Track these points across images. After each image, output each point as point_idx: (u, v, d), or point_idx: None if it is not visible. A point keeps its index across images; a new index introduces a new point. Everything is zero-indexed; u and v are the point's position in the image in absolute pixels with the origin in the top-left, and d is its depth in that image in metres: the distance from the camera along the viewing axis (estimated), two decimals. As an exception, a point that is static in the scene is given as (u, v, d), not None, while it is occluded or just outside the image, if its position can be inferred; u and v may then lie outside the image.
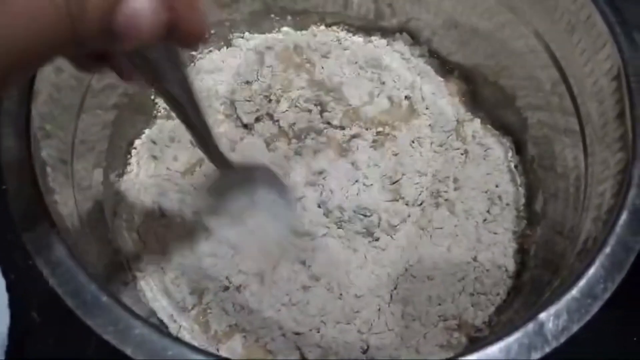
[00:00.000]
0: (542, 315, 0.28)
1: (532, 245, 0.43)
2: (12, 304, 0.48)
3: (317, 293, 0.41)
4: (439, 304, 0.41)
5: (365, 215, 0.42)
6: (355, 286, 0.41)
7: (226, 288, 0.41)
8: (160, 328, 0.27)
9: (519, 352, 0.27)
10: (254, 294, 0.40)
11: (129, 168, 0.45)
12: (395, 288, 0.41)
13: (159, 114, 0.48)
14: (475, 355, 0.27)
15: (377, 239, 0.42)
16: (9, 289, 0.49)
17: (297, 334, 0.39)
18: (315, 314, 0.40)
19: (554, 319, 0.28)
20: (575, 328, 0.28)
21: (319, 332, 0.40)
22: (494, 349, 0.27)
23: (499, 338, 0.27)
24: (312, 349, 0.39)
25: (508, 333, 0.28)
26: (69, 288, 0.28)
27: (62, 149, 0.35)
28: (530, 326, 0.28)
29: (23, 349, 0.49)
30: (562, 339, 0.27)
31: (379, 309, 0.41)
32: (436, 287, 0.41)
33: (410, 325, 0.40)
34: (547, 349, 0.27)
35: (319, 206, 0.43)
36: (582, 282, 0.29)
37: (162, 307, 0.40)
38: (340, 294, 0.41)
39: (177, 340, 0.27)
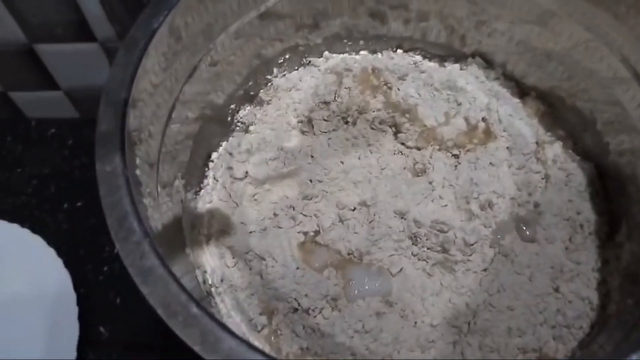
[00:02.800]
0: (635, 357, 0.26)
1: (617, 277, 0.41)
2: (81, 318, 0.49)
3: (391, 320, 0.40)
4: (519, 336, 0.39)
5: (442, 231, 0.42)
6: (430, 314, 0.40)
7: (295, 310, 0.41)
8: (249, 342, 0.27)
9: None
10: (326, 318, 0.40)
11: (205, 181, 0.46)
12: (473, 317, 0.40)
13: (237, 128, 0.49)
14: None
15: (455, 263, 0.41)
16: (78, 302, 0.50)
17: (370, 361, 0.38)
18: (389, 342, 0.39)
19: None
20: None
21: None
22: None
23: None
24: (385, 377, 0.38)
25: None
26: (159, 298, 0.28)
27: (151, 161, 0.36)
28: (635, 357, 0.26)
29: (90, 363, 0.50)
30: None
31: (456, 340, 0.39)
32: (516, 318, 0.39)
33: (488, 357, 0.39)
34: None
35: (395, 215, 0.42)
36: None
37: (236, 325, 0.40)
38: (415, 322, 0.40)
39: (266, 355, 0.26)
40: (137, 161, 0.34)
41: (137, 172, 0.33)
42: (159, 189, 0.38)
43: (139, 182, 0.33)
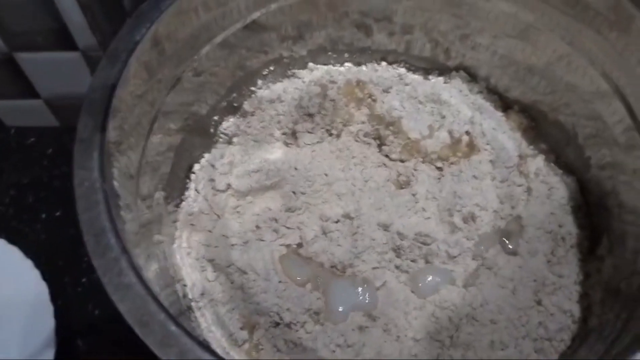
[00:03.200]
0: None
1: (598, 291, 0.42)
2: (58, 331, 0.48)
3: (374, 334, 0.39)
4: (502, 349, 0.39)
5: (425, 244, 0.42)
6: (413, 328, 0.40)
7: (277, 324, 0.40)
8: (228, 360, 0.27)
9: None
10: (308, 332, 0.40)
11: (187, 193, 0.46)
12: (456, 331, 0.40)
13: (220, 139, 0.48)
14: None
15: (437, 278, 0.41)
16: (56, 315, 0.49)
17: (352, 376, 0.38)
18: (371, 357, 0.39)
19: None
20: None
21: (374, 374, 0.38)
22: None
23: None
24: (367, 392, 0.38)
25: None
26: (137, 315, 0.27)
27: (130, 173, 0.36)
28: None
29: (67, 376, 0.49)
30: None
31: (439, 353, 0.39)
32: (499, 332, 0.39)
33: (470, 370, 0.39)
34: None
35: (379, 228, 0.42)
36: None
37: (216, 340, 0.39)
38: (398, 336, 0.40)
39: (246, 374, 0.26)
40: (116, 173, 0.33)
41: (116, 183, 0.33)
42: (139, 201, 0.37)
43: (117, 195, 0.32)
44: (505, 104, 0.50)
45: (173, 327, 0.27)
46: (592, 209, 0.45)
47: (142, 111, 0.37)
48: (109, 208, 0.30)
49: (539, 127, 0.49)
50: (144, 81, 0.37)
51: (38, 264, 0.51)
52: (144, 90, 0.37)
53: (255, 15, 0.44)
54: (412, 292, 0.41)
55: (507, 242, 0.43)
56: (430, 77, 0.51)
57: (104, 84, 0.34)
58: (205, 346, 0.27)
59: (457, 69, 0.51)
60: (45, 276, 0.50)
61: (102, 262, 0.28)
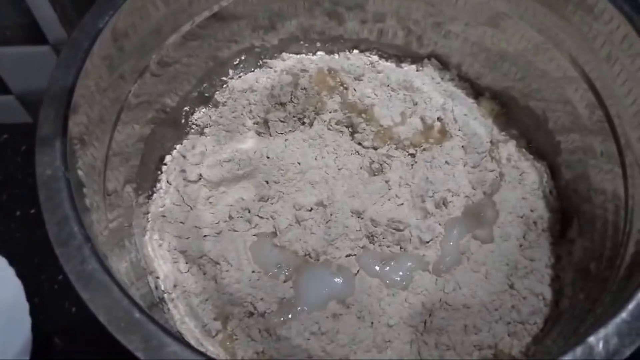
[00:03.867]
0: (592, 339, 0.27)
1: (569, 273, 0.42)
2: (35, 328, 0.48)
3: (348, 321, 0.40)
4: (475, 334, 0.39)
5: (398, 230, 0.42)
6: (387, 315, 0.40)
7: (251, 314, 0.40)
8: (193, 346, 0.26)
9: (569, 378, 0.26)
10: (282, 321, 0.39)
11: (158, 185, 0.45)
12: (430, 316, 0.40)
13: (192, 130, 0.48)
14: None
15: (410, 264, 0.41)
16: (32, 313, 0.48)
17: (327, 362, 0.38)
18: (345, 343, 0.39)
19: (604, 343, 0.27)
20: (627, 352, 0.27)
21: (348, 360, 0.38)
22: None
23: (546, 363, 0.26)
24: (342, 378, 0.38)
25: (557, 358, 0.26)
26: (101, 303, 0.27)
27: (96, 165, 0.35)
28: (579, 350, 0.27)
29: (44, 374, 0.48)
30: (614, 364, 0.26)
31: (412, 339, 0.39)
32: (472, 316, 0.40)
33: (444, 355, 0.39)
34: (598, 374, 0.26)
35: (352, 215, 0.42)
36: (631, 305, 0.28)
37: (190, 331, 0.39)
38: (372, 323, 0.40)
39: (210, 358, 0.26)
40: (81, 164, 0.33)
41: (81, 173, 0.32)
42: (108, 194, 0.37)
43: (82, 184, 0.32)
44: (476, 91, 0.50)
45: (137, 314, 0.27)
46: (562, 193, 0.45)
47: (107, 102, 0.37)
48: (71, 196, 0.29)
49: (510, 113, 0.49)
50: (107, 71, 0.36)
51: (13, 262, 0.50)
52: (108, 81, 0.36)
53: (224, 3, 0.43)
54: (385, 278, 0.41)
55: (479, 227, 0.43)
56: (402, 64, 0.51)
57: (65, 76, 0.33)
58: (169, 332, 0.26)
59: (429, 57, 0.51)
60: (21, 274, 0.50)
61: (64, 250, 0.28)
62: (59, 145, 0.31)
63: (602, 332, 0.27)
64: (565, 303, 0.41)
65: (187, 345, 0.26)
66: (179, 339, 0.27)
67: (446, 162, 0.45)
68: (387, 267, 0.42)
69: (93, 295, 0.27)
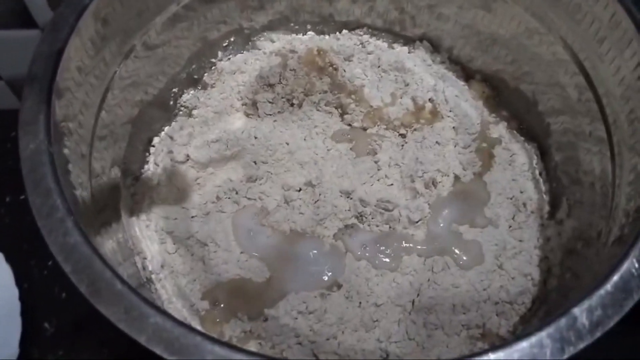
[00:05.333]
0: (575, 310, 0.27)
1: (558, 253, 0.42)
2: (24, 314, 0.48)
3: (336, 301, 0.39)
4: (463, 313, 0.39)
5: (387, 210, 0.42)
6: (375, 294, 0.40)
7: (239, 294, 0.40)
8: (176, 318, 0.26)
9: (552, 348, 0.26)
10: (270, 300, 0.39)
11: (146, 167, 0.45)
12: (417, 296, 0.40)
13: (180, 112, 0.48)
14: (506, 350, 0.25)
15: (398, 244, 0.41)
16: (21, 298, 0.48)
17: (314, 342, 0.38)
18: (333, 322, 0.39)
19: (587, 314, 0.27)
20: (610, 323, 0.27)
21: (336, 339, 0.38)
22: (525, 344, 0.26)
23: (530, 333, 0.26)
24: (329, 357, 0.37)
25: (540, 328, 0.26)
26: (83, 275, 0.27)
27: (81, 144, 0.35)
28: (563, 321, 0.27)
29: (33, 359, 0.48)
30: (597, 334, 0.26)
31: (400, 318, 0.39)
32: (461, 296, 0.40)
33: (432, 334, 0.39)
34: (581, 344, 0.26)
35: (341, 195, 0.42)
36: (615, 277, 0.28)
37: (177, 310, 0.39)
38: (360, 302, 0.40)
39: (193, 329, 0.26)
40: (66, 141, 0.33)
41: (66, 151, 0.32)
42: (95, 175, 0.37)
43: (67, 162, 0.32)
44: (467, 74, 0.50)
45: (119, 286, 0.27)
46: (552, 175, 0.45)
47: (93, 82, 0.37)
48: (54, 170, 0.29)
49: (501, 95, 0.49)
50: (91, 52, 0.36)
51: (2, 248, 0.50)
52: (92, 63, 0.36)
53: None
54: (374, 259, 0.41)
55: (468, 207, 0.43)
56: (394, 45, 0.51)
57: (48, 54, 0.33)
58: (151, 303, 0.26)
59: (420, 39, 0.51)
60: (10, 259, 0.50)
61: (47, 222, 0.28)
62: (42, 120, 0.31)
63: (585, 303, 0.27)
64: (553, 283, 0.41)
65: (170, 316, 0.26)
66: (162, 309, 0.26)
67: (437, 142, 0.45)
68: (376, 247, 0.41)
69: (75, 267, 0.27)
